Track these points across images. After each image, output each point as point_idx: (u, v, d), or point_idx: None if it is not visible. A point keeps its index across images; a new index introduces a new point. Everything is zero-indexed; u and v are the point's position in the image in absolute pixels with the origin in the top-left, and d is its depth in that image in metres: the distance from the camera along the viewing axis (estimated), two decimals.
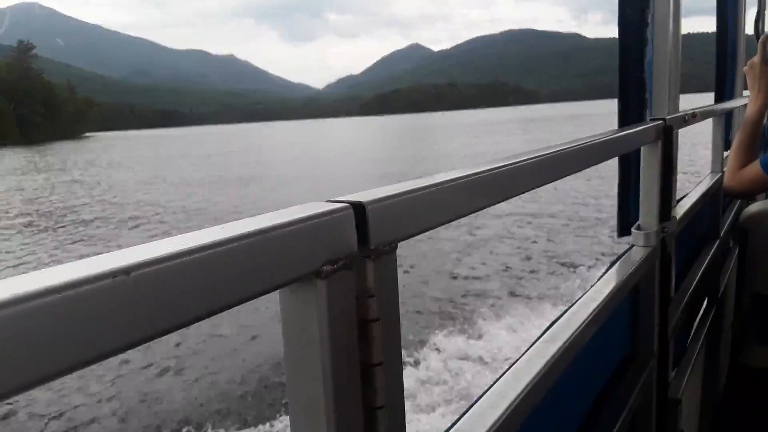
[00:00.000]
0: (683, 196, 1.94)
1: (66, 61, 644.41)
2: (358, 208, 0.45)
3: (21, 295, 0.25)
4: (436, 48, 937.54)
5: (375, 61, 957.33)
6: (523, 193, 0.75)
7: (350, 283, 0.44)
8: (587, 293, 1.09)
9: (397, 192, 0.50)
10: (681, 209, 1.74)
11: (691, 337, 2.07)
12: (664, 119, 1.42)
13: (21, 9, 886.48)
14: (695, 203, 1.92)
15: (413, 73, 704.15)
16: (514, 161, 0.71)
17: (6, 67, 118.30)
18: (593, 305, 1.02)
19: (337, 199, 0.46)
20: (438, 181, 0.57)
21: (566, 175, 0.90)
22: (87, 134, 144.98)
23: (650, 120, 1.47)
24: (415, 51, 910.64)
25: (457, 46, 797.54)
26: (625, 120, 1.53)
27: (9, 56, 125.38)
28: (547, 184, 0.82)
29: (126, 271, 0.29)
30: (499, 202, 0.69)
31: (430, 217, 0.55)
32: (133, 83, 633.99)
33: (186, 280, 0.32)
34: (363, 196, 0.47)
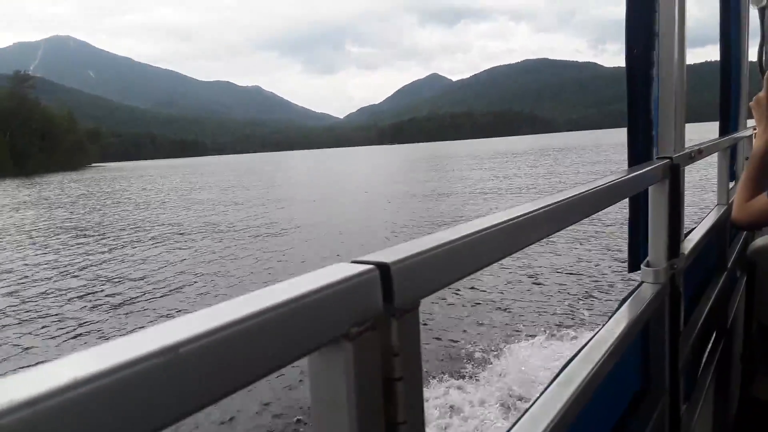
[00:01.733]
0: (691, 230, 1.97)
1: (96, 93, 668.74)
2: (383, 268, 0.46)
3: (80, 379, 0.25)
4: (454, 78, 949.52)
5: (395, 90, 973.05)
6: (539, 240, 0.77)
7: (375, 343, 0.45)
8: (599, 332, 1.11)
9: (420, 250, 0.51)
10: (689, 243, 1.76)
11: (701, 370, 2.07)
12: (670, 158, 1.45)
13: (54, 42, 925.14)
14: (703, 237, 1.94)
15: (431, 102, 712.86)
16: (528, 211, 0.73)
17: (1, 97, 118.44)
18: (605, 346, 1.04)
19: (361, 259, 0.47)
20: (458, 235, 0.58)
21: (579, 221, 0.92)
22: (94, 165, 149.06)
23: (657, 159, 1.50)
24: (434, 80, 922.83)
25: (475, 76, 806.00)
26: (634, 158, 1.57)
27: (5, 87, 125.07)
28: (561, 230, 0.84)
29: (175, 348, 0.30)
30: (515, 252, 0.70)
31: (451, 272, 0.57)
32: (159, 113, 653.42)
33: (226, 353, 0.33)
34: (387, 256, 0.48)
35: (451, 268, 0.56)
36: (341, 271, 0.44)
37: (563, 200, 0.84)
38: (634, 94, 1.56)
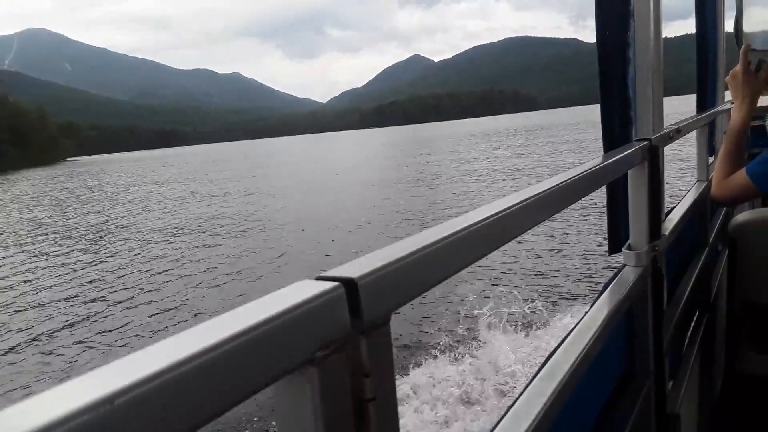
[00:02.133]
0: (671, 209, 1.95)
1: (73, 85, 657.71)
2: (349, 285, 0.43)
3: None
4: (436, 59, 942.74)
5: (377, 73, 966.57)
6: (516, 237, 0.72)
7: (344, 364, 0.43)
8: (583, 320, 1.10)
9: (388, 261, 0.48)
10: (670, 223, 1.74)
11: (685, 348, 2.07)
12: (649, 139, 1.43)
13: (29, 35, 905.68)
14: (683, 215, 1.93)
15: (414, 84, 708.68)
16: (503, 208, 0.68)
17: None
18: (589, 333, 1.03)
19: (325, 275, 0.44)
20: (429, 241, 0.54)
21: (557, 212, 0.88)
22: (69, 159, 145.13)
23: (635, 141, 1.48)
24: (416, 62, 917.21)
25: (457, 56, 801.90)
26: (610, 141, 1.54)
27: None
28: (539, 224, 0.80)
29: (110, 400, 0.26)
30: (491, 252, 0.66)
31: (423, 281, 0.53)
32: (140, 104, 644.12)
33: (175, 397, 0.30)
34: (353, 270, 0.45)
35: (422, 277, 0.53)
36: (304, 290, 0.41)
37: (540, 193, 0.80)
38: (608, 78, 1.53)
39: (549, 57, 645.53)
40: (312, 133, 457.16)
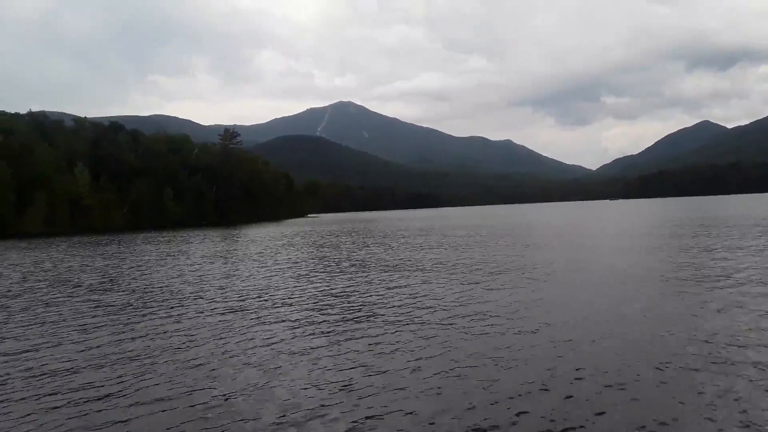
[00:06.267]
0: None
1: (367, 150, 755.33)
2: None
3: None
4: (729, 125, 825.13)
5: (656, 140, 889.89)
6: None
7: None
8: None
9: None
10: None
11: None
12: None
13: (338, 107, 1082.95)
14: None
15: (698, 153, 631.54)
16: None
17: (214, 153, 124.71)
18: None
19: None
20: None
21: None
22: (310, 216, 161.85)
23: None
24: (705, 129, 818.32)
25: (756, 122, 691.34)
26: None
27: (218, 144, 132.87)
28: None
29: None
30: None
31: None
32: (414, 168, 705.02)
33: None
34: None
35: None
36: None
37: None
38: None
39: None
40: (570, 200, 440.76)
